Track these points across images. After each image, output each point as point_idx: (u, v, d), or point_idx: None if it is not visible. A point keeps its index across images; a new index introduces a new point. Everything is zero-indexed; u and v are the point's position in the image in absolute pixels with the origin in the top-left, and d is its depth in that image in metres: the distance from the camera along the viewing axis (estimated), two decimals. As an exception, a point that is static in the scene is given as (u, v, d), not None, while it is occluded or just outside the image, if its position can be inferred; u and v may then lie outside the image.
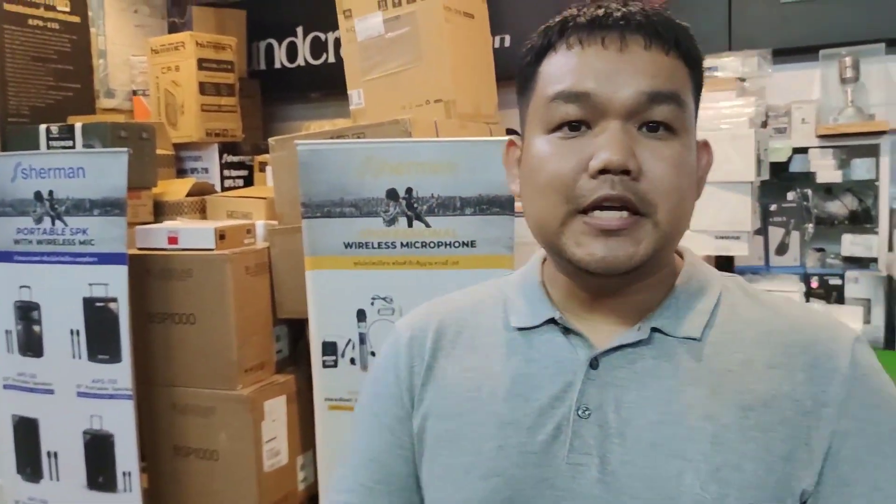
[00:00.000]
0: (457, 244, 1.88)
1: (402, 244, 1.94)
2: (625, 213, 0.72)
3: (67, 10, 3.20)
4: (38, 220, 2.25)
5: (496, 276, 0.94)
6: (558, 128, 0.75)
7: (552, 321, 0.80)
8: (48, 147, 2.58)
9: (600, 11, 0.75)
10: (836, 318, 0.82)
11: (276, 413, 2.34)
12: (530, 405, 0.78)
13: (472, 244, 1.87)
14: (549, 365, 0.79)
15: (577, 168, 0.73)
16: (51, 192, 2.22)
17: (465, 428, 0.80)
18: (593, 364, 0.77)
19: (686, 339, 0.77)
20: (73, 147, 2.54)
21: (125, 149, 2.19)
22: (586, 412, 0.75)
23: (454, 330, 0.87)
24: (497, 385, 0.80)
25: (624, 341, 0.77)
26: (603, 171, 0.71)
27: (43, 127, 2.61)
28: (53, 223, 2.23)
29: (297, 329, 2.48)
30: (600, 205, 0.71)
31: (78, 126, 2.57)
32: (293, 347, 2.53)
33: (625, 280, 0.76)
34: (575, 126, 0.74)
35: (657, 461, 0.72)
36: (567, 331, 0.80)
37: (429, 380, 0.85)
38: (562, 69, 0.75)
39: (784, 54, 2.70)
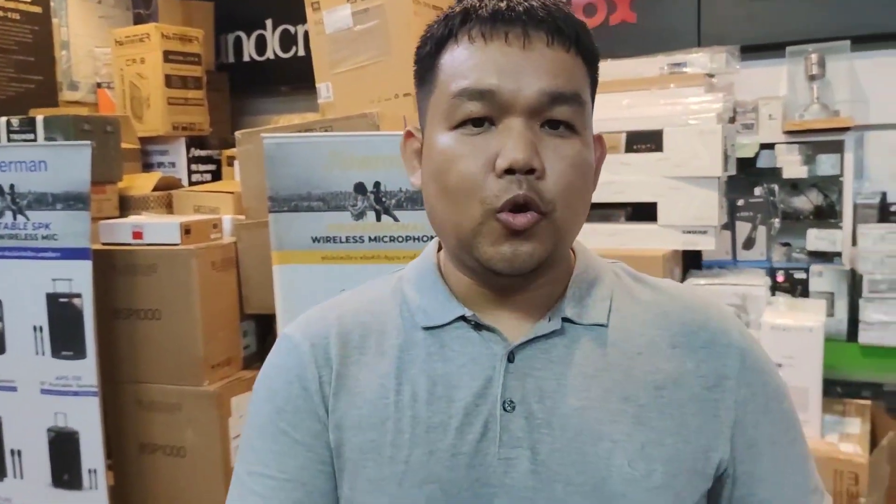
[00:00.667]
0: (425, 238, 1.88)
1: (370, 238, 1.93)
2: (529, 214, 0.73)
3: (28, 0, 3.14)
4: (0, 215, 2.21)
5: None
6: (462, 124, 0.74)
7: (462, 318, 0.80)
8: (9, 140, 2.53)
9: (503, 4, 0.74)
10: (713, 298, 0.89)
11: (244, 409, 2.31)
12: (455, 406, 0.77)
13: (440, 239, 1.86)
14: (465, 363, 0.79)
15: (484, 167, 0.73)
16: (12, 186, 2.18)
17: (388, 436, 0.78)
18: (510, 357, 0.78)
19: (594, 326, 0.80)
20: (35, 140, 2.49)
21: (88, 142, 2.16)
22: (511, 406, 0.76)
23: (358, 334, 0.83)
24: (416, 388, 0.79)
25: (539, 332, 0.78)
26: (509, 170, 0.71)
27: (3, 119, 2.56)
28: (15, 217, 2.19)
29: (264, 324, 2.46)
30: (510, 207, 0.72)
31: (39, 119, 2.52)
32: (261, 343, 2.51)
33: (527, 279, 0.78)
34: (478, 122, 0.74)
35: (585, 445, 0.75)
36: (478, 326, 0.80)
37: (340, 389, 0.81)
38: (465, 64, 0.74)
39: (752, 51, 2.73)
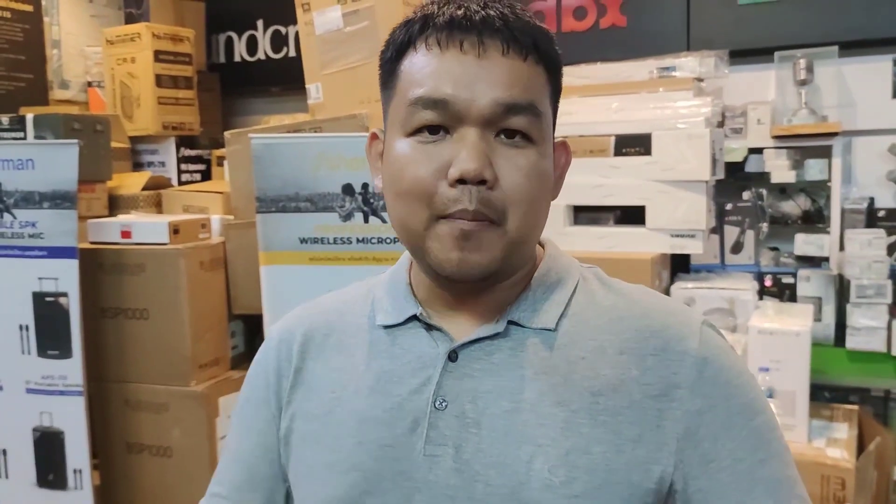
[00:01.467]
0: (413, 240, 1.88)
1: (357, 240, 1.93)
2: (480, 222, 0.74)
3: (20, -2, 3.14)
4: (-14, 213, 2.20)
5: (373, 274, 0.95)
6: (418, 131, 0.75)
7: (416, 318, 0.82)
8: (-2, 138, 2.52)
9: (460, 12, 0.75)
10: (684, 305, 0.86)
11: (231, 409, 2.31)
12: (390, 400, 0.80)
13: (428, 240, 1.86)
14: (410, 360, 0.81)
15: (436, 174, 0.74)
16: (-1, 184, 2.18)
17: (329, 426, 0.82)
18: (452, 357, 0.79)
19: (541, 330, 0.79)
20: (25, 138, 2.48)
21: (75, 140, 2.15)
22: (443, 404, 0.77)
23: (323, 332, 0.88)
24: (360, 383, 0.82)
25: (481, 334, 0.79)
26: (461, 179, 0.72)
27: (-7, 117, 2.56)
28: (2, 216, 2.18)
29: (253, 325, 2.46)
30: (458, 217, 0.73)
31: (29, 117, 2.51)
32: (249, 343, 2.51)
33: (482, 284, 0.79)
34: (434, 130, 0.75)
35: (509, 448, 0.75)
36: (430, 327, 0.82)
37: (297, 383, 0.87)
38: (421, 72, 0.75)
39: (740, 55, 2.74)
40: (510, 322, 0.79)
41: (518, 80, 0.74)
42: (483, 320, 0.80)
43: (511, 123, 0.74)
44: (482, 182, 0.72)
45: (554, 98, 0.80)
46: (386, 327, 0.84)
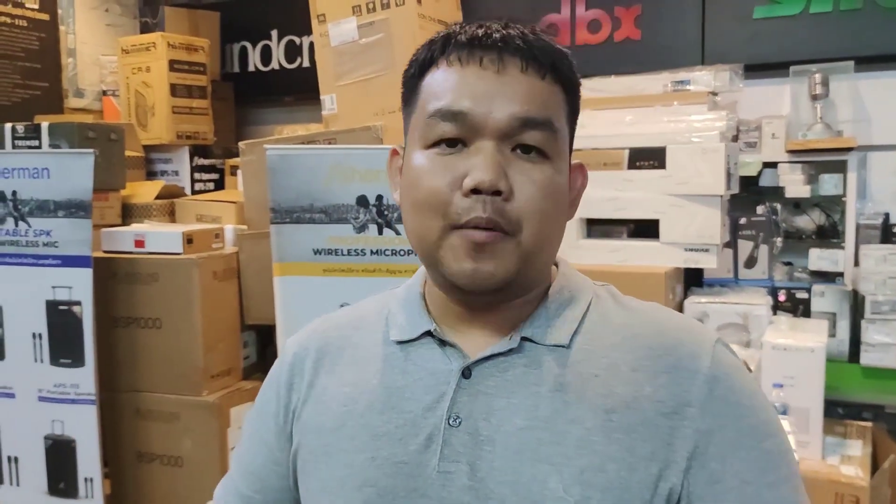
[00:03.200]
0: (427, 252, 1.88)
1: (371, 251, 1.93)
2: (493, 232, 0.74)
3: (36, 7, 3.16)
4: (1, 221, 2.22)
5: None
6: (436, 144, 0.76)
7: (429, 333, 0.82)
8: (13, 146, 2.53)
9: (480, 31, 0.76)
10: (698, 322, 0.86)
11: (243, 419, 2.31)
12: (403, 416, 0.80)
13: (442, 253, 1.86)
14: (423, 376, 0.81)
15: (451, 185, 0.75)
16: (14, 193, 2.19)
17: (341, 442, 0.82)
18: (466, 374, 0.79)
19: (555, 347, 0.79)
20: (40, 147, 2.49)
21: (91, 150, 2.16)
22: (457, 420, 0.77)
23: (336, 346, 0.89)
24: (373, 398, 0.82)
25: (495, 350, 0.79)
26: (475, 190, 0.73)
27: (8, 126, 2.57)
28: (17, 224, 2.19)
29: (265, 335, 2.46)
30: (472, 226, 0.74)
31: (44, 125, 2.52)
32: (261, 354, 2.51)
33: (496, 297, 0.79)
34: (452, 143, 0.76)
35: (523, 466, 0.74)
36: (443, 343, 0.82)
37: (309, 397, 0.87)
38: (441, 86, 0.77)
39: (755, 69, 2.73)
40: (524, 338, 0.79)
41: (535, 97, 0.76)
42: (496, 337, 0.80)
43: (527, 138, 0.75)
44: (497, 193, 0.73)
45: (571, 119, 0.81)
46: (399, 343, 0.84)
